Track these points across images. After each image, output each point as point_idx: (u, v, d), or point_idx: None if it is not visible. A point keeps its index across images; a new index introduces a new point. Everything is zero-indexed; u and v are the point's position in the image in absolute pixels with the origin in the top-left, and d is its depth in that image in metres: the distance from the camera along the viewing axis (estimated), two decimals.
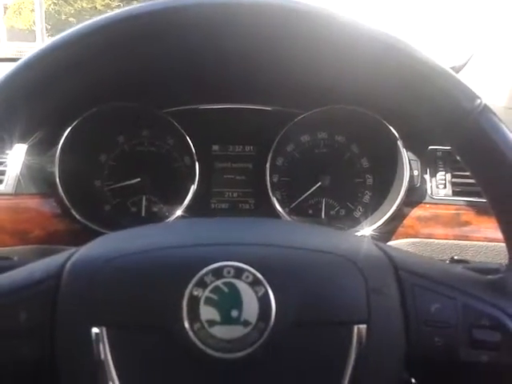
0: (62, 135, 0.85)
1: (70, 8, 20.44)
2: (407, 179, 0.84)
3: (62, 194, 0.84)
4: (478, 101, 0.37)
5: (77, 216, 0.85)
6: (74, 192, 0.86)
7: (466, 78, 1.07)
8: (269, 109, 0.89)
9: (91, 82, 0.42)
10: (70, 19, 20.15)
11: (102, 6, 20.55)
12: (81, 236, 0.83)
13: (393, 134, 0.84)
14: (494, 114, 0.38)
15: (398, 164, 0.85)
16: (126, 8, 0.39)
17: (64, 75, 0.40)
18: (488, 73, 0.99)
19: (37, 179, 0.84)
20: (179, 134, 0.89)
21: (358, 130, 0.89)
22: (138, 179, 0.92)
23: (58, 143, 0.84)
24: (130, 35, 0.39)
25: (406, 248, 0.83)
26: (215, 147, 0.93)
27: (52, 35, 18.79)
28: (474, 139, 0.38)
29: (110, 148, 0.92)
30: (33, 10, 17.09)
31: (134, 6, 0.40)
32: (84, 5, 20.48)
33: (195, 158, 0.89)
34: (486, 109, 0.38)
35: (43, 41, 15.34)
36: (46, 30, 16.00)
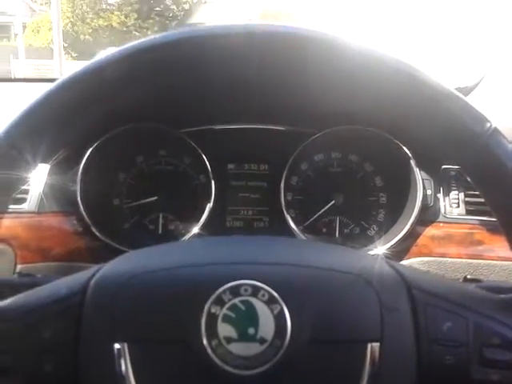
0: (84, 155, 0.87)
1: (87, 27, 20.83)
2: (420, 198, 0.84)
3: (83, 212, 0.86)
4: (488, 124, 0.38)
5: (97, 233, 0.86)
6: (95, 210, 0.88)
7: (477, 98, 1.06)
8: (283, 129, 0.90)
9: (114, 107, 0.44)
10: (87, 37, 20.57)
11: (118, 23, 20.93)
12: (101, 253, 0.85)
13: (405, 153, 0.85)
14: (504, 137, 0.39)
15: (412, 183, 0.86)
16: (149, 38, 0.41)
17: (90, 102, 0.41)
18: (500, 93, 1.00)
19: (59, 198, 0.87)
20: (195, 154, 0.90)
21: (371, 150, 0.90)
22: (155, 197, 0.93)
23: (79, 163, 0.86)
24: (153, 64, 0.41)
25: (420, 267, 0.84)
26: (231, 166, 0.95)
27: (69, 53, 19.17)
28: (483, 162, 0.38)
29: (128, 167, 0.94)
30: (50, 29, 17.44)
31: (155, 36, 0.41)
32: (100, 23, 20.86)
33: (211, 176, 0.90)
34: (495, 132, 0.38)
35: (61, 59, 15.65)
36: (64, 48, 16.32)
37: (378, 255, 0.81)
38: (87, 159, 0.85)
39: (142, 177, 0.93)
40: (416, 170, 0.84)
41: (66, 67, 16.40)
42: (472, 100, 1.11)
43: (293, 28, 0.39)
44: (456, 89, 1.21)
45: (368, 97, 0.42)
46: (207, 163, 0.90)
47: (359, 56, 0.38)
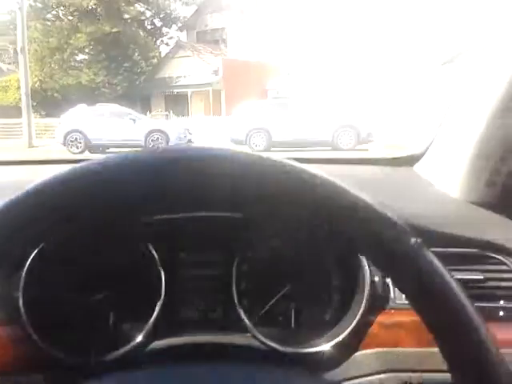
0: (27, 259, 0.81)
1: (56, 84, 21.04)
2: (368, 286, 0.83)
3: (25, 321, 0.81)
4: (413, 239, 0.39)
5: (39, 343, 0.81)
6: (39, 317, 0.83)
7: (424, 167, 1.13)
8: (233, 216, 0.89)
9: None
10: (56, 95, 20.73)
11: (87, 81, 21.24)
12: (44, 363, 0.82)
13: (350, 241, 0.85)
14: (429, 251, 0.40)
15: (359, 270, 0.85)
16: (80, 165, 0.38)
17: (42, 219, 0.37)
18: (446, 162, 1.03)
19: (1, 305, 0.82)
20: (143, 244, 0.87)
21: (318, 236, 0.90)
22: (103, 294, 0.88)
23: (22, 267, 0.81)
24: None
25: (374, 359, 0.83)
26: (182, 254, 0.92)
27: (38, 111, 19.20)
28: (410, 276, 0.40)
29: (72, 265, 0.89)
30: (18, 88, 17.54)
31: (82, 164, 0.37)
32: (69, 81, 21.12)
33: (160, 267, 0.87)
34: (420, 246, 0.40)
35: (29, 117, 15.66)
36: (32, 106, 16.36)
37: None
38: (30, 263, 0.81)
39: (89, 274, 0.88)
40: (361, 257, 0.84)
41: (34, 126, 16.43)
42: (419, 168, 1.14)
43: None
44: (404, 157, 1.24)
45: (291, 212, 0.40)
46: (155, 254, 0.87)
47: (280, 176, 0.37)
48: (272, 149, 12.64)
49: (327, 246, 0.87)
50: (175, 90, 21.26)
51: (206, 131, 18.81)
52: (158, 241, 0.87)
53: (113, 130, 13.64)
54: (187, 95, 20.77)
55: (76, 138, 13.69)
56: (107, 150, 13.33)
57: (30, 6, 20.61)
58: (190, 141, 14.03)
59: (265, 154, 0.38)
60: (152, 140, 13.68)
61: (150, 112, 19.25)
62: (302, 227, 0.83)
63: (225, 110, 19.42)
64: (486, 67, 0.82)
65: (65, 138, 13.72)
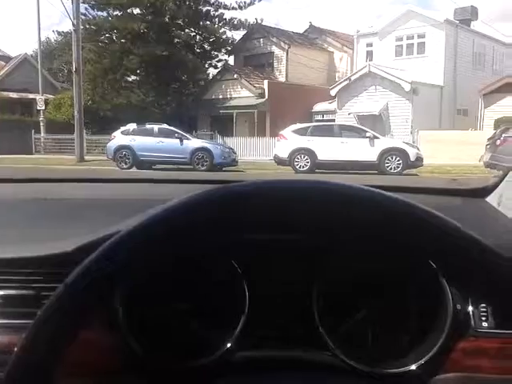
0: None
1: (107, 103, 21.78)
2: (451, 313, 0.84)
3: (126, 329, 0.86)
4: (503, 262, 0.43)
5: (138, 349, 0.86)
6: (136, 325, 0.87)
7: (497, 199, 1.11)
8: (317, 240, 0.88)
9: None
10: (107, 113, 21.44)
11: (137, 101, 21.90)
12: (141, 369, 0.85)
13: (432, 267, 0.86)
14: None
15: (441, 297, 0.86)
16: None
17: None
18: None
19: (101, 314, 0.84)
20: (229, 261, 0.91)
21: (400, 261, 0.91)
22: (192, 305, 0.92)
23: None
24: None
25: (455, 383, 0.82)
26: (266, 273, 0.94)
27: (89, 128, 19.90)
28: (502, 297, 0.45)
29: (166, 275, 0.92)
30: (71, 105, 18.25)
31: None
32: (120, 101, 21.82)
33: (245, 283, 0.90)
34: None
35: (81, 133, 16.25)
36: (84, 123, 16.98)
37: None
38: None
39: (179, 285, 0.93)
40: (444, 284, 0.85)
41: (85, 141, 17.01)
42: (492, 200, 1.12)
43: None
44: (476, 189, 1.22)
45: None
46: (239, 271, 0.91)
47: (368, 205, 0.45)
48: (316, 170, 12.61)
49: (412, 272, 0.88)
50: (221, 111, 21.65)
51: (249, 151, 19.06)
52: (244, 259, 0.91)
53: (160, 147, 13.99)
54: (233, 116, 21.11)
55: (125, 154, 14.12)
56: (153, 167, 13.64)
57: (85, 28, 21.54)
58: (233, 160, 14.17)
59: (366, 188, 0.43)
60: (197, 158, 13.92)
61: (196, 131, 19.60)
62: (390, 252, 0.83)
63: (269, 132, 19.57)
64: None
65: (114, 153, 14.19)
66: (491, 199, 1.13)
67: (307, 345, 0.90)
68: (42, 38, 26.69)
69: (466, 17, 20.60)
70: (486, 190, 1.16)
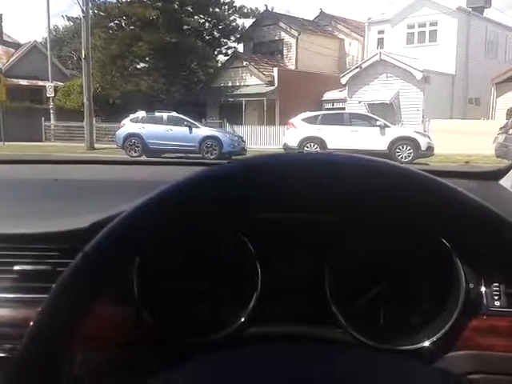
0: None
1: (116, 91, 21.75)
2: (464, 292, 0.85)
3: (138, 300, 0.87)
4: None
5: (151, 323, 0.87)
6: (150, 299, 0.88)
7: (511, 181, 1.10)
8: (330, 217, 0.88)
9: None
10: (116, 101, 21.44)
11: (146, 88, 21.85)
12: (155, 343, 0.86)
13: (446, 245, 0.85)
14: None
15: (453, 276, 0.86)
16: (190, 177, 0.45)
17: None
18: None
19: (115, 287, 0.85)
20: (242, 240, 0.91)
21: (414, 239, 0.89)
22: (206, 281, 0.93)
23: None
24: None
25: (466, 361, 0.84)
26: (279, 251, 0.94)
27: (98, 115, 19.93)
28: None
29: (181, 250, 0.93)
30: (81, 93, 18.25)
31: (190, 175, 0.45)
32: (130, 88, 21.78)
33: (257, 261, 0.91)
34: None
35: (90, 121, 16.27)
36: (94, 111, 16.99)
37: None
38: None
39: (194, 261, 0.94)
40: (458, 263, 0.85)
41: (95, 129, 17.04)
42: (505, 182, 1.11)
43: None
44: (490, 172, 1.23)
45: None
46: (253, 249, 0.91)
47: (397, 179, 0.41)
48: None
49: (425, 251, 0.88)
50: (230, 99, 21.55)
51: (258, 140, 19.00)
52: (257, 237, 0.91)
53: (169, 135, 13.98)
54: (242, 104, 21.02)
55: (134, 142, 14.13)
56: (163, 155, 13.65)
57: (94, 14, 21.48)
58: (242, 149, 14.13)
59: (383, 160, 0.42)
60: (206, 146, 13.91)
61: (205, 119, 19.58)
62: (404, 230, 0.82)
63: (279, 120, 19.49)
64: None
65: (124, 141, 14.20)
66: (504, 182, 1.13)
67: (319, 322, 0.90)
68: (51, 26, 26.74)
69: (479, 4, 20.26)
70: (499, 173, 1.16)
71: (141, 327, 0.87)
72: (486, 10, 20.85)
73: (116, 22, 23.55)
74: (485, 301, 0.85)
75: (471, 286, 0.85)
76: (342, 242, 0.91)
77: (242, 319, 0.89)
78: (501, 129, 12.08)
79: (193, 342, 0.86)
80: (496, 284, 0.85)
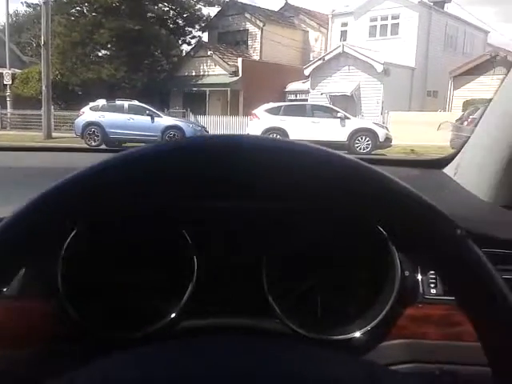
0: (68, 235, 0.80)
1: (76, 78, 21.24)
2: (399, 280, 0.85)
3: (63, 294, 0.84)
4: (458, 231, 0.40)
5: (76, 317, 0.84)
6: (75, 292, 0.85)
7: (454, 169, 1.12)
8: (269, 206, 0.87)
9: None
10: (76, 89, 20.94)
11: (107, 76, 21.40)
12: (77, 336, 0.84)
13: (382, 233, 0.86)
14: (473, 244, 0.41)
15: (389, 264, 0.86)
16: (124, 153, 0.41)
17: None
18: (477, 166, 1.03)
19: (40, 281, 0.84)
20: (177, 229, 0.89)
21: (348, 228, 0.89)
22: (137, 272, 0.90)
23: (62, 243, 0.81)
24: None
25: (400, 349, 0.85)
26: (215, 241, 0.93)
27: (57, 104, 19.43)
28: (455, 267, 0.41)
29: (110, 241, 0.91)
30: (39, 80, 17.75)
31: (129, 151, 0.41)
32: (90, 76, 21.31)
33: (193, 250, 0.89)
34: (465, 238, 0.40)
35: (48, 109, 15.85)
36: (52, 98, 16.55)
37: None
38: (70, 240, 0.81)
39: (125, 252, 0.90)
40: (393, 251, 0.85)
41: (53, 118, 16.61)
42: (449, 171, 1.12)
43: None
44: (434, 160, 1.24)
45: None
46: (189, 239, 0.89)
47: (326, 164, 0.40)
48: None
49: (361, 240, 0.87)
50: (194, 89, 21.36)
51: (222, 130, 18.93)
52: (192, 226, 0.89)
53: (130, 125, 13.76)
54: (205, 94, 20.86)
55: (94, 131, 13.84)
56: (124, 145, 13.44)
57: (55, 0, 20.86)
58: None
59: (324, 148, 0.40)
60: (168, 136, 13.73)
61: (168, 109, 19.35)
62: (340, 219, 0.80)
63: (242, 110, 19.47)
64: None
65: (83, 130, 13.88)
66: (448, 170, 1.14)
67: (256, 313, 0.89)
68: (10, 11, 25.80)
69: None
70: (444, 162, 1.17)
71: (65, 322, 0.84)
72: (446, 4, 21.29)
73: (77, 8, 22.92)
74: (421, 289, 0.85)
75: (407, 273, 0.85)
76: (280, 231, 0.90)
77: (176, 312, 0.87)
78: (457, 121, 12.45)
79: (121, 337, 0.83)
80: (432, 272, 0.84)
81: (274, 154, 0.40)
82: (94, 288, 0.88)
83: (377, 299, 0.88)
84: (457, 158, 1.12)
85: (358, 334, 0.86)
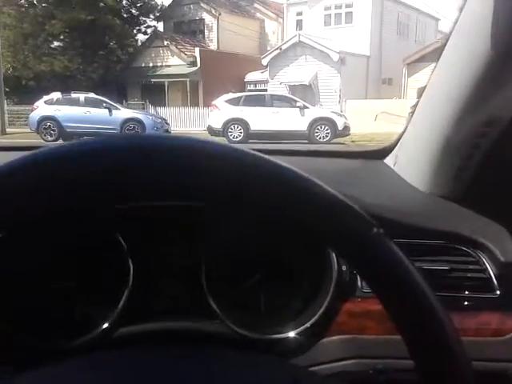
0: None
1: (29, 71, 20.59)
2: (336, 274, 0.83)
3: None
4: (375, 229, 0.39)
5: (7, 328, 0.81)
6: (6, 302, 0.82)
7: (394, 160, 1.11)
8: (203, 204, 0.80)
9: None
10: (29, 82, 20.29)
11: (61, 68, 20.81)
12: (11, 347, 0.82)
13: None
14: (390, 241, 0.40)
15: (326, 259, 0.85)
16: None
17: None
18: (415, 156, 1.01)
19: None
20: (110, 232, 0.85)
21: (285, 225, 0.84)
22: (72, 280, 0.86)
23: None
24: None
25: (339, 345, 0.84)
26: (150, 243, 0.89)
27: (11, 98, 18.80)
28: (372, 264, 0.40)
29: (42, 248, 0.86)
30: None
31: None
32: (43, 68, 20.69)
33: (128, 254, 0.85)
34: (382, 236, 0.39)
35: (1, 104, 15.32)
36: (5, 93, 16.01)
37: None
38: None
39: (58, 259, 0.87)
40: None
41: (6, 113, 16.07)
42: (390, 161, 1.18)
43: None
44: (375, 151, 1.24)
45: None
46: (123, 242, 0.85)
47: (242, 168, 0.37)
48: (250, 140, 12.73)
49: (295, 235, 0.85)
50: (152, 80, 21.06)
51: (182, 121, 18.81)
52: (126, 229, 0.86)
53: (87, 118, 13.49)
54: (164, 85, 20.62)
55: (49, 126, 13.51)
56: (81, 139, 13.10)
57: None
58: (166, 131, 13.95)
59: (235, 146, 0.38)
60: (128, 129, 13.53)
61: (126, 101, 19.05)
62: (269, 217, 0.80)
63: (202, 101, 19.39)
64: (454, 63, 0.81)
65: (38, 125, 13.52)
66: (389, 160, 1.14)
67: (196, 315, 0.87)
68: None
69: None
70: (384, 152, 1.16)
71: None
72: None
73: None
74: (359, 283, 0.84)
75: (344, 268, 0.84)
76: (217, 230, 0.87)
77: (112, 319, 0.83)
78: (411, 108, 12.79)
79: (56, 347, 0.80)
80: None
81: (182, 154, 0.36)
82: (25, 297, 0.84)
83: (316, 295, 0.87)
84: (396, 148, 1.11)
85: (293, 334, 0.85)
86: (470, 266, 0.83)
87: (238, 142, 12.70)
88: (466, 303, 0.82)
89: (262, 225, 0.85)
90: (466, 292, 0.83)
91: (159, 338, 0.85)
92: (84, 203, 0.37)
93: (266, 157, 0.37)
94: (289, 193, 0.37)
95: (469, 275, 0.83)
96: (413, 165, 1.02)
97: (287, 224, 0.43)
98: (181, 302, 0.89)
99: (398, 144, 1.10)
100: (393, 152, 1.13)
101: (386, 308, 0.39)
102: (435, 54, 0.89)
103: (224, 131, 12.98)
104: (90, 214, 0.81)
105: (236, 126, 13.13)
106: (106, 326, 0.83)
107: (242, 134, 12.97)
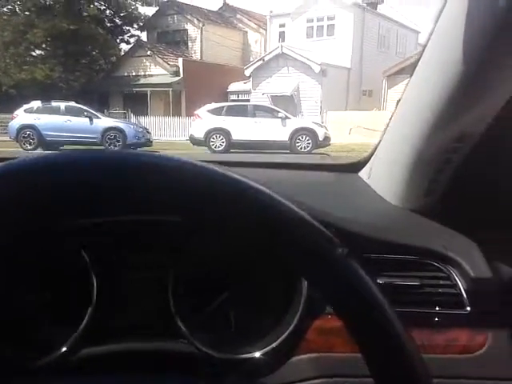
0: None
1: (10, 79, 20.36)
2: (305, 291, 0.82)
3: None
4: (340, 249, 0.39)
5: None
6: None
7: (368, 173, 1.10)
8: (169, 220, 0.73)
9: None
10: (10, 90, 20.07)
11: (43, 77, 20.63)
12: None
13: None
14: (355, 262, 0.39)
15: (296, 277, 0.84)
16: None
17: None
18: (388, 170, 1.01)
19: None
20: (74, 248, 0.83)
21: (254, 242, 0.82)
22: (34, 298, 0.83)
23: None
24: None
25: (309, 364, 0.83)
26: (115, 260, 0.86)
27: None
28: (334, 284, 0.39)
29: (5, 264, 0.83)
30: None
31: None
32: (24, 76, 20.48)
33: (92, 271, 0.82)
34: (346, 256, 0.39)
35: None
36: None
37: None
38: None
39: (20, 276, 0.84)
40: None
41: None
42: (364, 175, 1.18)
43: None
44: (350, 164, 1.24)
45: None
46: (87, 258, 0.83)
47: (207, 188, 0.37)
48: (231, 150, 12.76)
49: (262, 253, 0.82)
50: (134, 89, 20.96)
51: (164, 131, 18.77)
52: (90, 245, 0.83)
53: (68, 127, 13.34)
54: (147, 94, 20.56)
55: (29, 134, 13.29)
56: (61, 148, 13.03)
57: None
58: (148, 140, 13.89)
59: (199, 162, 0.37)
60: (109, 138, 13.44)
61: (108, 110, 18.92)
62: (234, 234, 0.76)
63: (185, 111, 19.38)
64: (427, 78, 0.80)
65: (17, 133, 13.30)
66: (363, 174, 1.13)
67: (163, 335, 0.85)
68: None
69: (373, 0, 21.45)
70: (359, 165, 1.15)
71: None
72: (379, 5, 22.06)
73: (9, 7, 21.97)
74: None
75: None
76: (183, 247, 0.85)
77: (74, 339, 0.80)
78: (390, 119, 12.94)
79: (20, 367, 0.77)
80: None
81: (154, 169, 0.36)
82: None
83: (285, 314, 0.85)
84: (370, 161, 1.10)
85: (261, 353, 0.83)
86: (441, 282, 0.82)
87: (220, 152, 12.74)
88: (436, 319, 0.81)
89: (228, 241, 0.81)
90: (437, 308, 0.82)
91: (123, 360, 0.82)
92: (46, 219, 0.36)
93: (224, 170, 0.36)
94: (246, 210, 0.36)
95: (440, 290, 0.82)
96: (386, 178, 1.01)
97: (248, 242, 0.42)
98: (147, 320, 0.87)
99: (373, 157, 1.10)
100: (367, 165, 1.13)
101: (347, 327, 0.39)
102: (414, 67, 0.89)
103: (206, 141, 12.98)
104: (53, 229, 0.75)
105: (218, 135, 13.14)
106: (67, 346, 0.80)
107: (224, 144, 12.98)
